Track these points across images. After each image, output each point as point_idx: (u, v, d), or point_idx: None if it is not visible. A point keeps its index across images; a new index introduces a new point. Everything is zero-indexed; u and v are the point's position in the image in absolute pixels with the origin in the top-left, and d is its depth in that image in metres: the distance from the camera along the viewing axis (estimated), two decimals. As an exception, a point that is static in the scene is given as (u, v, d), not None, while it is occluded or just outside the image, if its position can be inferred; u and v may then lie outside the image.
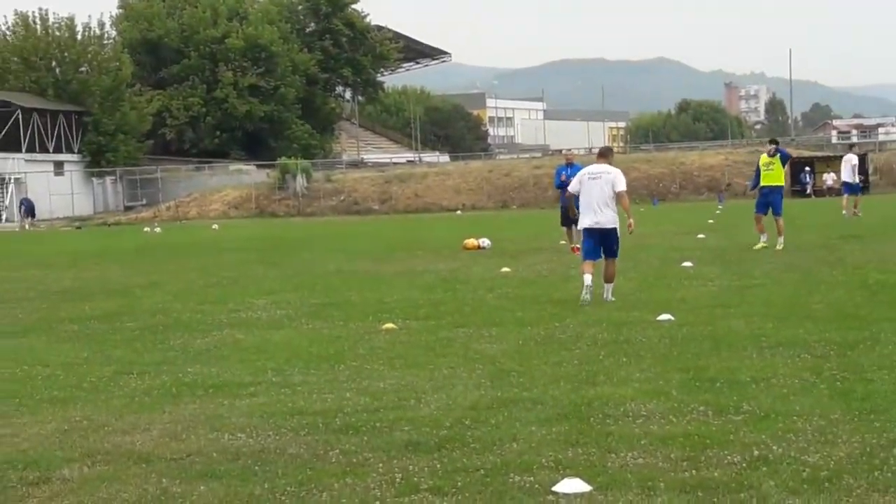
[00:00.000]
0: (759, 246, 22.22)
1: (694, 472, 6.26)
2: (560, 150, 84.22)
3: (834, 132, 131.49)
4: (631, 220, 14.57)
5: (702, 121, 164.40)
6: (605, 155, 15.39)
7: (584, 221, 14.72)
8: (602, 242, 14.60)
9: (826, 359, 9.57)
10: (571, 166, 23.92)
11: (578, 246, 22.61)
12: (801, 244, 22.40)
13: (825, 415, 7.45)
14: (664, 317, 12.56)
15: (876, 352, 9.80)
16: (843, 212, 34.32)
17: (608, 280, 14.66)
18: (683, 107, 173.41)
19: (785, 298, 14.09)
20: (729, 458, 6.50)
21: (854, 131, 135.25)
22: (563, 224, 24.02)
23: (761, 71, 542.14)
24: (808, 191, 64.59)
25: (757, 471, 6.22)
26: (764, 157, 23.37)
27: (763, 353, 10.00)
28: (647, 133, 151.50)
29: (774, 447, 6.66)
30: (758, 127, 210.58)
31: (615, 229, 14.58)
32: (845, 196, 35.65)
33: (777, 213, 22.71)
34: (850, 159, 35.75)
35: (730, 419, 7.47)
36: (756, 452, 6.56)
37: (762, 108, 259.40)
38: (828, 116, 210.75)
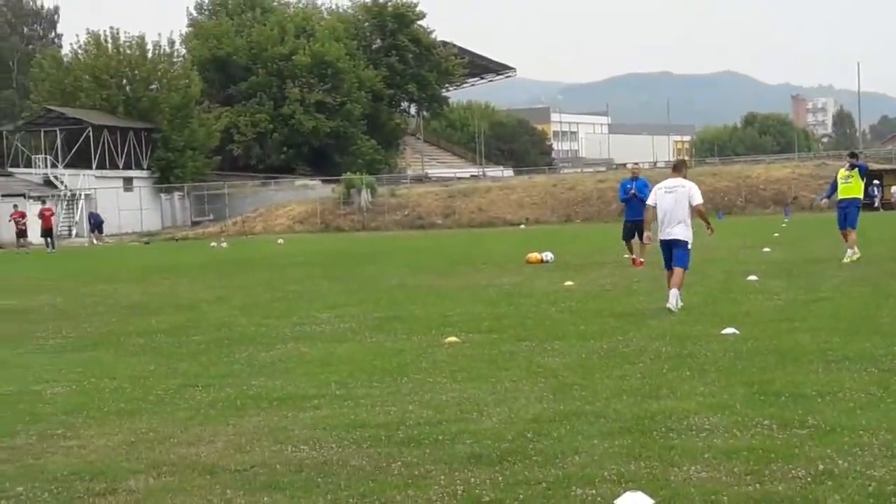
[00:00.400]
0: (847, 259, 22.02)
1: (758, 486, 6.20)
2: (625, 164, 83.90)
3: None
4: (712, 226, 15.44)
5: (768, 134, 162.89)
6: (678, 168, 15.86)
7: (662, 234, 15.16)
8: (671, 251, 15.08)
9: (894, 373, 9.44)
10: (637, 180, 23.89)
11: (642, 259, 22.62)
12: (870, 257, 22.11)
13: (892, 429, 7.34)
14: (729, 330, 12.46)
15: (945, 366, 9.65)
16: None
17: (674, 286, 14.92)
18: (750, 120, 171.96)
19: (852, 312, 13.91)
20: (794, 472, 6.43)
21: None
22: (624, 238, 23.96)
23: (829, 83, 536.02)
24: (876, 203, 63.79)
25: (822, 485, 6.15)
26: (842, 171, 23.39)
27: (829, 367, 9.88)
28: (713, 146, 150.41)
29: (840, 461, 6.58)
30: (825, 140, 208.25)
31: (686, 242, 15.01)
32: None
33: (852, 226, 22.60)
34: None
35: (795, 433, 7.40)
36: (821, 467, 6.49)
37: (829, 121, 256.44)
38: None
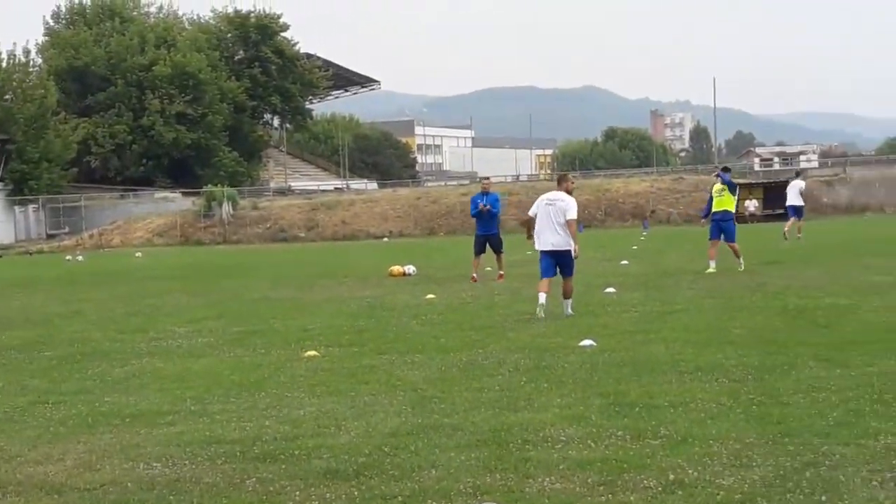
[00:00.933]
0: (710, 270, 22.68)
1: (610, 496, 6.28)
2: (487, 178, 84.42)
3: (757, 159, 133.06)
4: (576, 247, 15.86)
5: (628, 148, 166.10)
6: (561, 182, 16.71)
7: (541, 244, 15.96)
8: (558, 262, 15.90)
9: (743, 383, 9.66)
10: (487, 194, 24.00)
11: (476, 276, 22.92)
12: (723, 269, 22.65)
13: (741, 438, 7.51)
14: (586, 342, 12.62)
15: (792, 376, 9.90)
16: (786, 234, 34.96)
17: (566, 296, 15.97)
18: (610, 134, 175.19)
19: (705, 324, 14.22)
20: (645, 482, 6.53)
21: (776, 158, 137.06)
22: (475, 252, 23.95)
23: (686, 99, 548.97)
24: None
25: (672, 494, 6.25)
26: (717, 185, 24.07)
27: (682, 378, 10.07)
28: (574, 160, 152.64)
29: (690, 471, 6.71)
30: (682, 154, 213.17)
31: (569, 251, 15.83)
32: (791, 219, 36.38)
33: (732, 240, 23.33)
34: (798, 185, 37.46)
35: (647, 443, 7.51)
36: (672, 476, 6.60)
37: (687, 136, 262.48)
38: (751, 144, 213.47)
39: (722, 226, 23.43)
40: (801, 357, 10.90)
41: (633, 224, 67.53)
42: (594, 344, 12.53)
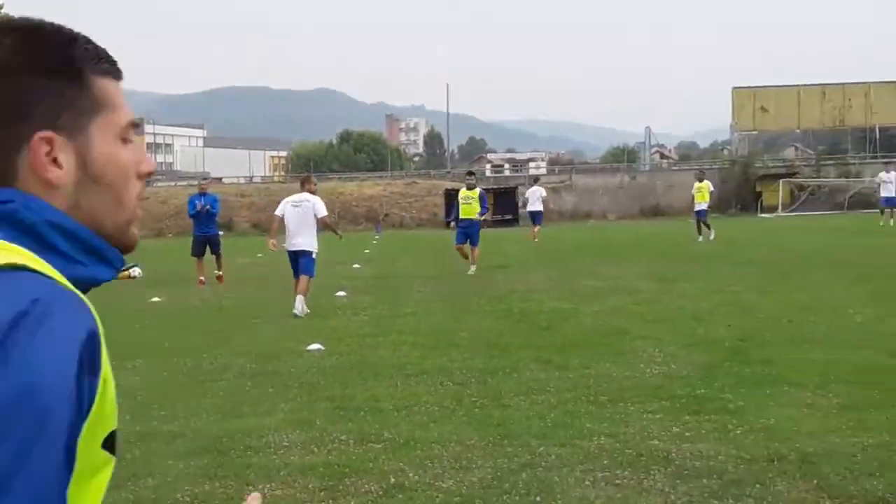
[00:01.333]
0: (470, 272, 23.24)
1: (331, 501, 6.26)
2: (220, 179, 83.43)
3: (488, 165, 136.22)
4: (340, 233, 17.56)
5: (363, 151, 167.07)
6: (304, 184, 17.38)
7: (290, 244, 16.59)
8: (297, 261, 16.47)
9: (467, 386, 9.82)
10: (205, 195, 23.73)
11: (203, 279, 22.65)
12: (455, 272, 23.04)
13: (462, 441, 7.62)
14: (314, 346, 12.58)
15: (514, 378, 10.13)
16: (535, 239, 35.97)
17: (301, 293, 16.29)
18: (345, 137, 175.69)
19: (433, 327, 14.40)
20: (367, 486, 6.54)
21: (507, 165, 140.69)
22: (193, 254, 23.64)
23: (421, 104, 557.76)
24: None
25: (392, 498, 6.28)
26: (464, 191, 24.68)
27: (408, 381, 10.16)
28: (309, 162, 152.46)
29: (411, 474, 6.76)
30: (416, 159, 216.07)
31: (311, 251, 16.47)
32: (537, 227, 37.55)
33: (475, 244, 23.97)
34: (538, 191, 39.11)
35: (371, 447, 7.53)
36: (393, 480, 6.63)
37: (421, 141, 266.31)
38: (483, 150, 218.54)
39: (468, 232, 24.12)
40: (523, 360, 11.18)
41: (366, 227, 67.99)
42: (322, 348, 12.50)
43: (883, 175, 42.30)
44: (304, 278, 16.39)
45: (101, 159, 1.45)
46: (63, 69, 1.42)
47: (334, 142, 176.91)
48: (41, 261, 1.35)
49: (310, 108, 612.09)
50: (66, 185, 1.42)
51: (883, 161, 55.55)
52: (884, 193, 41.28)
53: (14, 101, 1.38)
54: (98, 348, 1.34)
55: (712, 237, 32.87)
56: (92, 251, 1.47)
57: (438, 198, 67.42)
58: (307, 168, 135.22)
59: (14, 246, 1.34)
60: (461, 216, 24.44)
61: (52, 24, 1.45)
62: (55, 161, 1.41)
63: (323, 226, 16.81)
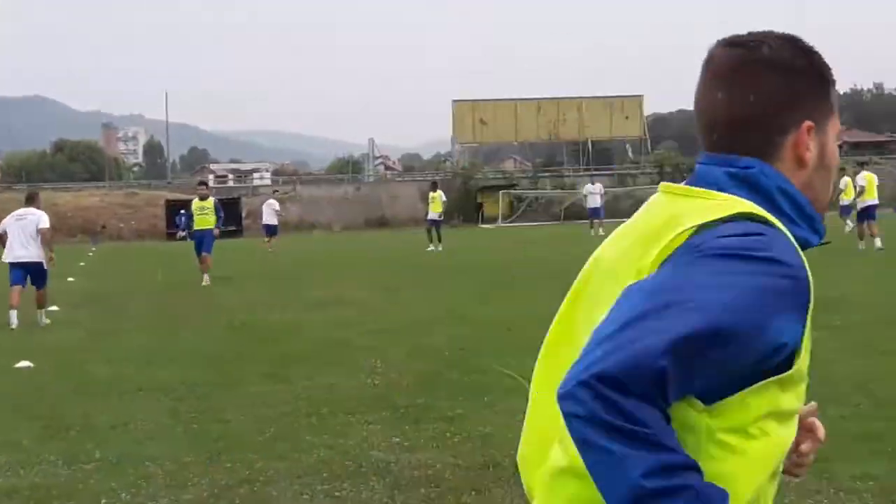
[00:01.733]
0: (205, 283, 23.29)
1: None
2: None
3: (211, 176, 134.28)
4: (52, 254, 16.99)
5: (79, 161, 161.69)
6: (30, 200, 17.70)
7: (10, 256, 16.64)
8: (28, 273, 16.62)
9: (185, 401, 9.58)
10: None
11: None
12: (174, 285, 22.54)
13: (178, 458, 7.40)
14: (23, 364, 12.03)
15: (234, 392, 9.95)
16: (269, 249, 36.71)
17: (41, 306, 16.80)
18: (60, 146, 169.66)
19: (152, 342, 14.01)
20: (75, 510, 6.25)
21: (230, 175, 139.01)
22: None
23: (140, 112, 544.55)
24: (184, 234, 65.28)
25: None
26: (197, 202, 24.69)
27: (123, 398, 9.82)
28: (21, 172, 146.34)
29: (123, 494, 6.52)
30: (136, 169, 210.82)
31: (41, 262, 16.70)
32: (269, 239, 38.32)
33: (208, 251, 24.00)
34: (272, 204, 41.15)
35: (81, 468, 7.22)
36: (104, 501, 6.38)
37: (141, 150, 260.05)
38: (206, 160, 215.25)
39: (204, 241, 24.07)
40: (244, 373, 11.00)
41: (81, 240, 65.72)
42: (31, 365, 11.95)
43: (589, 187, 44.66)
44: (42, 292, 16.87)
45: (830, 152, 1.88)
46: (822, 76, 1.87)
47: (48, 151, 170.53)
48: (771, 217, 1.75)
49: (21, 115, 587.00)
50: (810, 166, 1.85)
51: (595, 173, 57.92)
52: (590, 204, 43.37)
53: (792, 93, 1.83)
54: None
55: (440, 248, 33.62)
56: (807, 219, 1.84)
57: (159, 209, 65.97)
58: (19, 178, 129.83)
59: (749, 203, 1.75)
60: (195, 227, 24.34)
61: (807, 42, 1.89)
62: (808, 146, 1.84)
63: (42, 240, 16.83)
